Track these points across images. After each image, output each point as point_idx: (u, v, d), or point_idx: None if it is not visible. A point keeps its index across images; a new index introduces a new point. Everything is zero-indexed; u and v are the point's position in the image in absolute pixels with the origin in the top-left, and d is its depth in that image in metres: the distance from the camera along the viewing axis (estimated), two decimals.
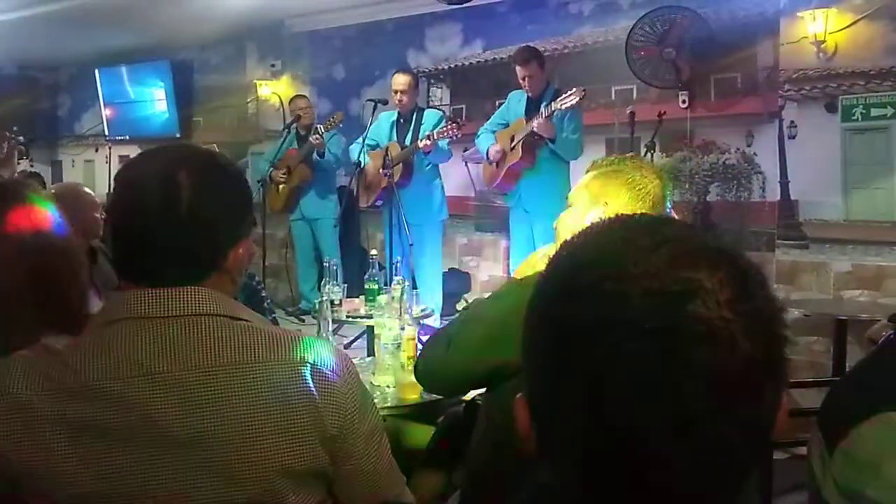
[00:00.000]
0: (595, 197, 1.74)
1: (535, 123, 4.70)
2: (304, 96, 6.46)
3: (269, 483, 1.03)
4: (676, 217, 2.47)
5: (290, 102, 6.43)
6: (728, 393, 0.57)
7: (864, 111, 4.34)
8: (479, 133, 5.24)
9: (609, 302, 0.58)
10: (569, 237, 0.68)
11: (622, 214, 0.69)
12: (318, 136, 5.76)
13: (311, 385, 1.06)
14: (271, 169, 6.17)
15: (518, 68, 4.90)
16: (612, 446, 0.58)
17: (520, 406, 0.66)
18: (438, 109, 5.95)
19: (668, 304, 0.57)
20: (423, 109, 5.46)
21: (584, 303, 0.60)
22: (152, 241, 1.07)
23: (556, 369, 0.61)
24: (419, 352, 2.07)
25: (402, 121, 5.37)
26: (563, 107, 4.58)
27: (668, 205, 1.79)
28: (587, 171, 1.83)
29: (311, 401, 1.06)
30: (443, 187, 5.48)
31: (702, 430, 0.57)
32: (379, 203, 5.45)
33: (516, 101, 5.07)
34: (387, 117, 5.39)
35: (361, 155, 5.32)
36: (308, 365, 1.07)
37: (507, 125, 5.07)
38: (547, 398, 0.63)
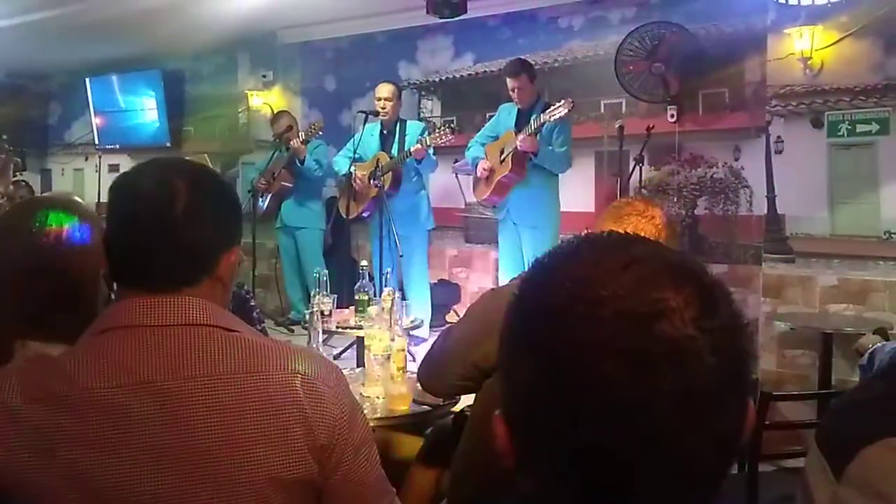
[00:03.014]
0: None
1: (519, 140, 4.73)
2: (286, 112, 6.41)
3: (259, 492, 1.04)
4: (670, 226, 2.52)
5: (272, 122, 6.40)
6: (696, 408, 0.60)
7: (849, 127, 4.39)
8: (469, 145, 5.27)
9: (581, 324, 0.61)
10: (540, 256, 0.69)
11: (590, 233, 0.70)
12: (297, 141, 5.78)
13: (302, 395, 1.08)
14: (258, 177, 6.20)
15: (508, 80, 4.94)
16: (586, 462, 0.61)
17: (498, 423, 0.68)
18: (429, 121, 5.99)
19: (636, 325, 0.60)
20: (406, 121, 5.51)
21: (556, 325, 0.62)
22: (149, 245, 1.09)
23: (530, 388, 0.63)
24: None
25: (385, 132, 5.41)
26: (552, 119, 4.62)
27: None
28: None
29: (301, 410, 1.07)
30: (428, 197, 5.53)
31: (672, 444, 0.59)
32: (366, 214, 5.47)
33: (506, 114, 5.10)
34: (370, 129, 5.41)
35: (351, 166, 5.34)
36: (298, 375, 1.09)
37: (497, 137, 5.09)
38: (523, 415, 0.65)
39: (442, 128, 5.07)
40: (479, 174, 5.07)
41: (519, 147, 4.74)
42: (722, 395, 0.61)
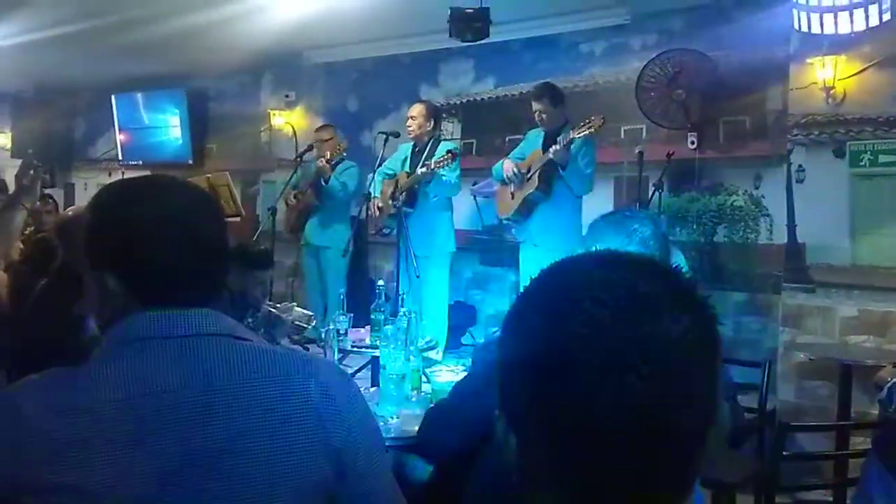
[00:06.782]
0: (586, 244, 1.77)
1: (552, 150, 4.71)
2: (330, 126, 6.29)
3: (273, 498, 1.05)
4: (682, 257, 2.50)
5: (315, 131, 6.34)
6: (671, 364, 0.65)
7: (871, 158, 4.36)
8: (496, 166, 5.25)
9: (562, 277, 0.71)
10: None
11: (577, 254, 0.78)
12: (323, 160, 5.79)
13: (317, 399, 1.10)
14: (288, 190, 6.21)
15: (532, 103, 4.96)
16: (563, 422, 0.65)
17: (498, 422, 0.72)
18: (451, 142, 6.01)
19: (615, 279, 0.68)
20: (440, 140, 5.50)
21: (539, 306, 0.70)
22: (185, 268, 1.13)
23: (518, 369, 0.69)
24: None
25: (416, 150, 5.43)
26: (580, 135, 4.61)
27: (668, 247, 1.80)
28: None
29: (316, 414, 1.09)
30: (451, 219, 5.47)
31: (650, 409, 0.64)
32: (386, 231, 5.48)
33: (535, 136, 5.11)
34: (405, 148, 5.46)
35: (373, 185, 5.37)
36: (312, 380, 1.11)
37: (524, 159, 5.09)
38: (517, 402, 0.69)
39: (446, 154, 5.10)
40: (506, 174, 5.01)
41: (552, 156, 4.72)
42: (696, 361, 0.66)
